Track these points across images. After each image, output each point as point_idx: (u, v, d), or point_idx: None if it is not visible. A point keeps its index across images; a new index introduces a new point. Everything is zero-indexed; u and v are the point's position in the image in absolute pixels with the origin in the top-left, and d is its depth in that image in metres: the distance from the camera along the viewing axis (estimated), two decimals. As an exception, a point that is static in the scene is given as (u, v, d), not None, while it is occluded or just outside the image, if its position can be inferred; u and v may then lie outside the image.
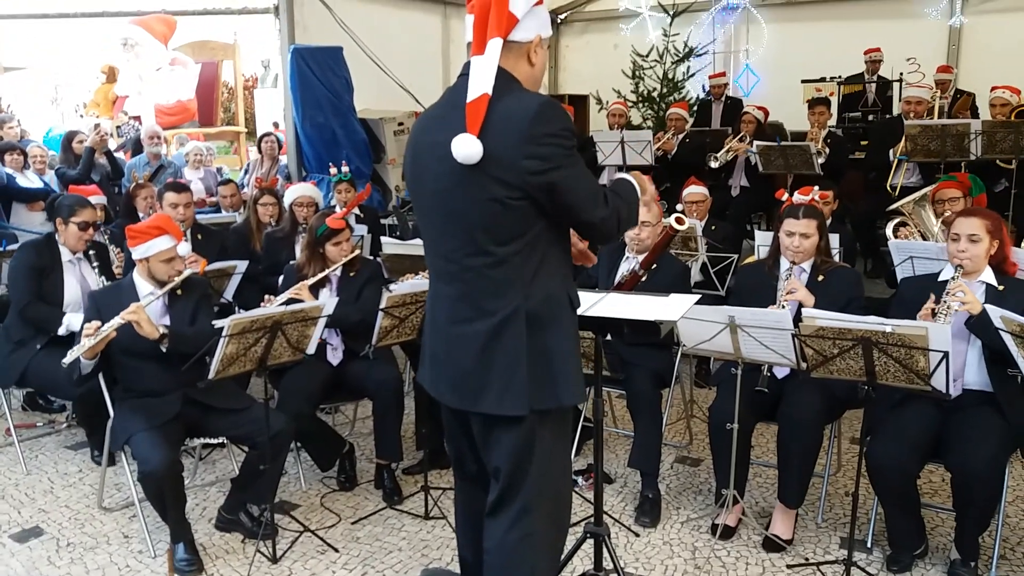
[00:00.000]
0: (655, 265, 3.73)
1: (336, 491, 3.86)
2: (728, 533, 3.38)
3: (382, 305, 3.43)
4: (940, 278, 3.22)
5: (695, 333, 3.28)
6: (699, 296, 2.79)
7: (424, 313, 2.57)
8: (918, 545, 3.15)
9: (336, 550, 3.32)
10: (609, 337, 3.69)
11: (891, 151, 6.15)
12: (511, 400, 2.00)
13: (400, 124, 8.47)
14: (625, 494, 3.79)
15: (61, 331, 3.96)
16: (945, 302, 3.02)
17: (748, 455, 3.50)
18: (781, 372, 3.43)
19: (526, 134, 1.84)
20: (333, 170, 5.93)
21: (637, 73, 9.76)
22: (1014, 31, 8.76)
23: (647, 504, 3.56)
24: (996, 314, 2.80)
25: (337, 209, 5.20)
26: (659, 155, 7.22)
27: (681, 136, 7.51)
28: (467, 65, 1.95)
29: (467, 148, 1.85)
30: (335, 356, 3.85)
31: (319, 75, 7.77)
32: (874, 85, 8.11)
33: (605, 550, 2.73)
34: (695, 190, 5.48)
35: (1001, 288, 3.10)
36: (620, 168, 7.13)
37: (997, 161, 5.78)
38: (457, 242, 2.01)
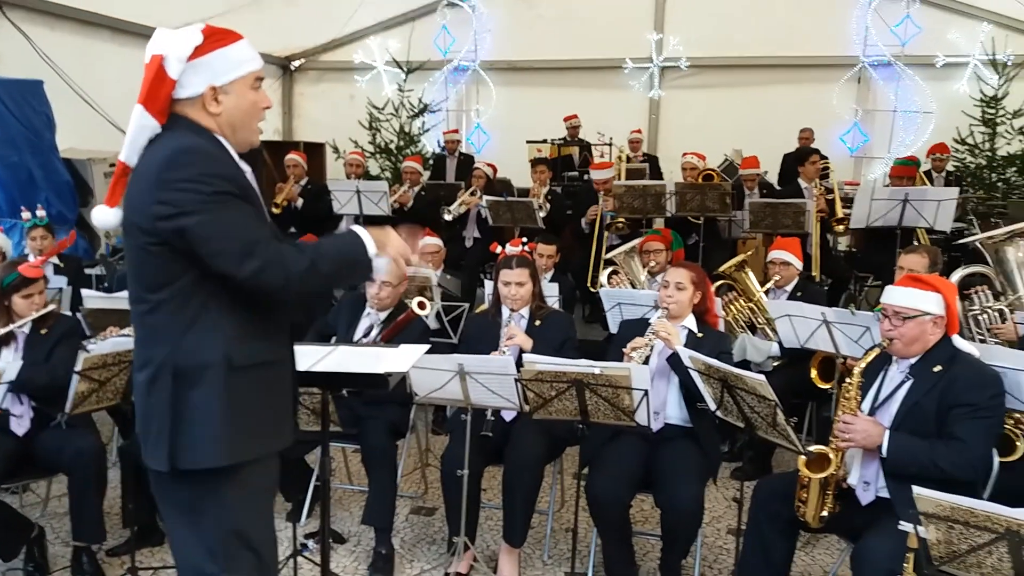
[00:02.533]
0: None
1: (21, 583, 3.34)
2: (460, 581, 3.40)
3: (77, 367, 3.06)
4: (651, 321, 3.55)
5: (427, 382, 3.31)
6: (428, 346, 2.82)
7: (129, 375, 2.35)
8: (631, 572, 3.38)
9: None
10: (345, 392, 3.64)
11: (582, 221, 6.77)
12: (157, 453, 1.93)
13: (112, 165, 7.76)
14: (359, 553, 3.68)
15: None
16: (648, 336, 3.33)
17: (478, 499, 3.57)
18: (509, 415, 3.56)
19: (158, 179, 1.84)
20: (26, 214, 5.25)
21: (374, 125, 9.87)
22: (699, 105, 10.15)
23: (380, 561, 3.48)
24: (686, 355, 3.13)
25: (31, 259, 4.60)
26: (396, 207, 7.30)
27: (417, 188, 7.67)
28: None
29: (99, 217, 1.95)
30: (20, 426, 3.36)
31: (14, 110, 6.95)
32: (577, 148, 8.95)
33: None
34: (430, 241, 5.61)
35: (700, 336, 3.48)
36: (356, 218, 7.12)
37: (689, 217, 6.58)
38: (130, 289, 2.01)
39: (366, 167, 8.43)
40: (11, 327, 3.38)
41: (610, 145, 8.91)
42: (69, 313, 4.06)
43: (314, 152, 9.76)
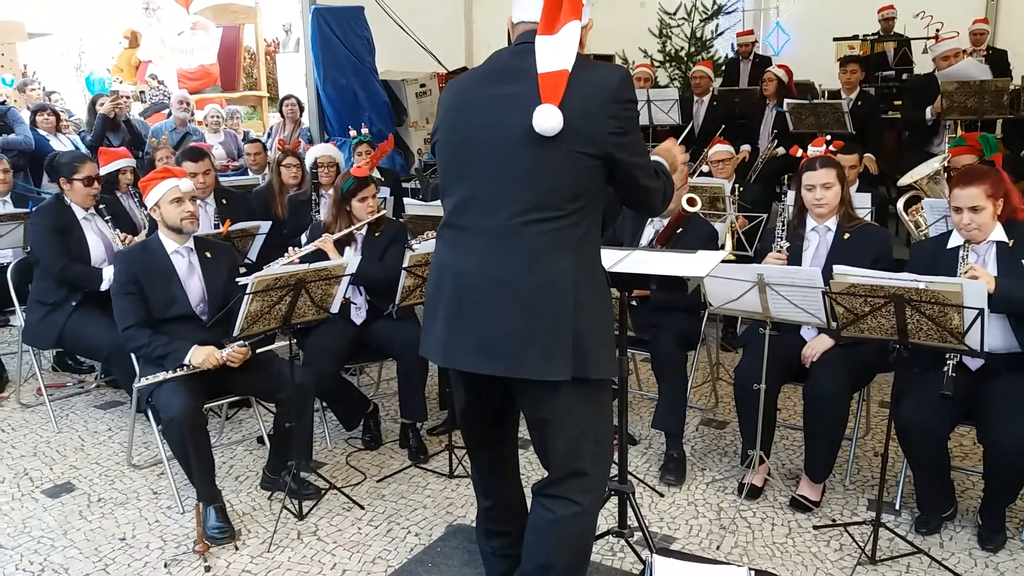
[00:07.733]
0: (680, 229, 3.66)
1: (361, 450, 3.88)
2: (754, 493, 3.35)
3: (405, 264, 3.41)
4: (949, 245, 3.10)
5: (722, 293, 3.21)
6: (726, 253, 2.73)
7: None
8: (947, 507, 3.11)
9: (362, 507, 3.35)
10: (635, 303, 3.68)
11: (928, 109, 5.96)
12: (553, 364, 2.00)
13: (422, 86, 8.39)
14: (649, 455, 3.77)
15: (104, 286, 3.95)
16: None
17: (774, 417, 3.46)
18: (810, 334, 3.37)
19: (611, 99, 1.97)
20: (353, 132, 5.87)
21: (664, 32, 9.56)
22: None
23: (672, 463, 3.53)
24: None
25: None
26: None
27: (708, 98, 7.31)
28: (529, 35, 2.02)
29: (550, 119, 1.91)
30: (359, 315, 3.85)
31: (340, 36, 7.70)
32: (896, 43, 7.89)
33: (629, 508, 2.72)
34: (720, 148, 5.39)
35: (1011, 243, 2.99)
36: (645, 128, 7.02)
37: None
38: (519, 200, 1.99)
39: (655, 79, 8.22)
40: (352, 228, 3.84)
41: (935, 39, 7.77)
42: (395, 218, 4.50)
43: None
